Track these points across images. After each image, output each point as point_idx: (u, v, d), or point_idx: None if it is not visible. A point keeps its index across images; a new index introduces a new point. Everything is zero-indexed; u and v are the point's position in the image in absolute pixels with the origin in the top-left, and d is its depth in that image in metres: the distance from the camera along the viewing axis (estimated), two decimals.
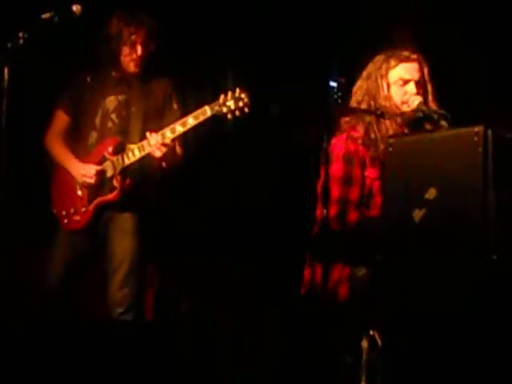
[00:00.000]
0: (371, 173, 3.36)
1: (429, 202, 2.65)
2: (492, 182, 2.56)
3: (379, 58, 3.50)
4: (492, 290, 2.55)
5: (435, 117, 3.14)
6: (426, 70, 3.48)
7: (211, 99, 3.82)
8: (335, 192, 3.28)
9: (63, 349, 3.43)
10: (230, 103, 3.75)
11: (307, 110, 3.29)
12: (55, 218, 4.06)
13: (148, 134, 3.85)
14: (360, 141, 3.38)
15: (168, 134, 3.83)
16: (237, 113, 3.76)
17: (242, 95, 3.75)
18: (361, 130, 3.40)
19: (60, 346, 3.43)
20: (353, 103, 3.45)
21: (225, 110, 3.76)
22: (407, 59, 3.46)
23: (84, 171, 3.96)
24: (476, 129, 2.60)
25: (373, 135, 3.38)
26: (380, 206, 3.28)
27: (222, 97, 3.77)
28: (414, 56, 3.47)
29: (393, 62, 3.45)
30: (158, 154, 3.84)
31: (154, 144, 3.82)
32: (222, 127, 4.03)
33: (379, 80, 3.44)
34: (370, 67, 3.50)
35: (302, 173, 4.10)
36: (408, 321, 2.67)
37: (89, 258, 4.04)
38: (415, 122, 3.34)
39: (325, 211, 2.89)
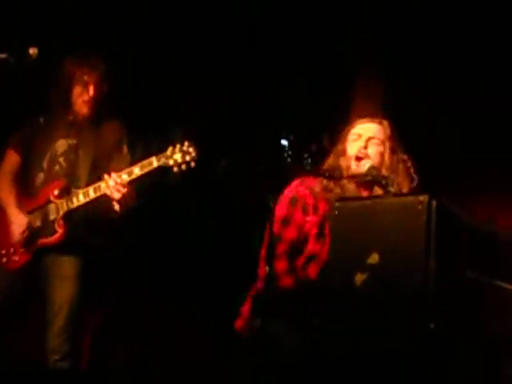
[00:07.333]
0: (312, 219, 3.44)
1: (371, 266, 2.67)
2: (434, 250, 2.60)
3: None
4: (430, 357, 2.57)
5: (383, 181, 3.20)
6: (388, 132, 3.58)
7: (159, 148, 3.81)
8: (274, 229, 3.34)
9: None
10: (178, 156, 3.72)
11: (257, 167, 3.33)
12: None
13: (106, 175, 3.80)
14: (313, 189, 3.46)
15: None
16: (183, 166, 3.73)
17: (190, 149, 3.73)
18: (320, 180, 3.50)
19: None
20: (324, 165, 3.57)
21: (171, 162, 3.73)
22: (367, 121, 3.61)
23: (16, 224, 3.92)
24: (421, 198, 2.66)
25: (331, 185, 3.48)
26: (310, 253, 3.35)
27: (170, 149, 3.74)
28: (376, 119, 3.62)
29: (354, 124, 3.62)
30: (116, 195, 3.80)
31: (113, 186, 3.79)
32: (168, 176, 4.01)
33: (341, 144, 3.59)
34: None
35: (247, 231, 4.11)
36: None
37: (24, 298, 3.95)
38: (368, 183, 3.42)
39: (267, 268, 2.90)
